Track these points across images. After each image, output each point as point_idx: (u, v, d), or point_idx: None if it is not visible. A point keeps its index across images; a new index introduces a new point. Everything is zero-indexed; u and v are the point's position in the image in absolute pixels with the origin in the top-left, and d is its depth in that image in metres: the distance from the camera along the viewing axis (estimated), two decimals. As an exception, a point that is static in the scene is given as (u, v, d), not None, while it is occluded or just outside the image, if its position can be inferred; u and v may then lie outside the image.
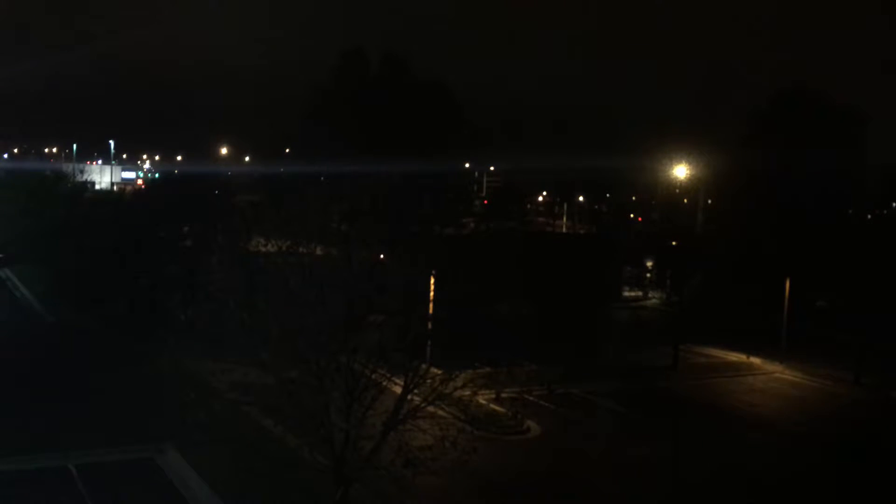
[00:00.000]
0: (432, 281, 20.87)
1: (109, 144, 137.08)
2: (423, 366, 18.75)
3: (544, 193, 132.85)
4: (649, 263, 71.96)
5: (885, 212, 72.56)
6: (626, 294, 68.42)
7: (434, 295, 20.47)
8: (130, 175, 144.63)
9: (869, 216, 70.21)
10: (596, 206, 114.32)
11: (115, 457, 25.21)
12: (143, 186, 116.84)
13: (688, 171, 62.76)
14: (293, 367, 17.69)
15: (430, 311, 19.77)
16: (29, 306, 51.19)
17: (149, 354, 36.60)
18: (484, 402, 27.83)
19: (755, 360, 45.72)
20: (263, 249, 19.89)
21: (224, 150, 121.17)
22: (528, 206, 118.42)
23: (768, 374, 43.59)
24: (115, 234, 51.26)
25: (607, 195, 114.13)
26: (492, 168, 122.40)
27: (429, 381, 18.40)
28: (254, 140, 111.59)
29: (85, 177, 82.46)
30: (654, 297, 66.53)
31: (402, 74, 63.37)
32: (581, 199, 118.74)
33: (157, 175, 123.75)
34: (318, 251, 18.94)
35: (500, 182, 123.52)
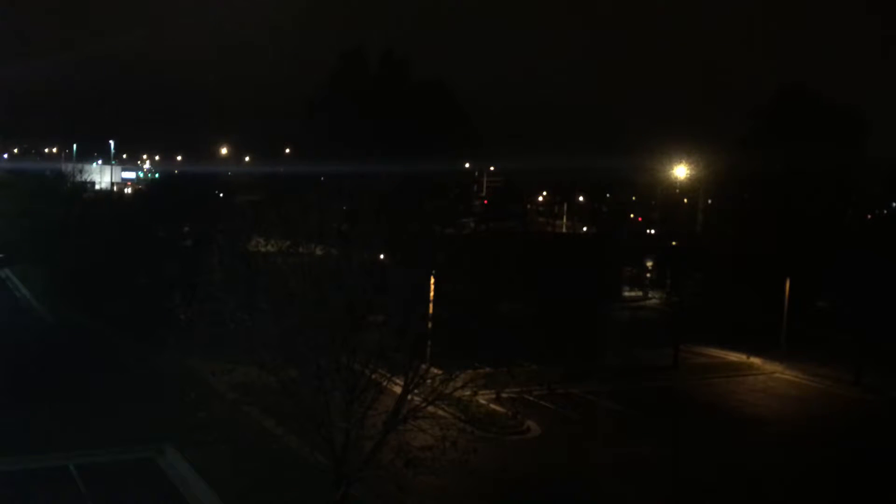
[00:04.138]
0: (432, 281, 20.86)
1: (109, 144, 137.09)
2: (423, 366, 18.73)
3: (544, 193, 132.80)
4: (649, 263, 71.98)
5: (885, 212, 72.50)
6: (626, 294, 68.43)
7: (434, 295, 20.46)
8: (130, 175, 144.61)
9: (869, 216, 70.18)
10: (596, 206, 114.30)
11: (115, 457, 25.22)
12: (139, 188, 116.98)
13: (688, 171, 62.78)
14: (293, 367, 17.69)
15: (430, 311, 19.76)
16: (29, 306, 51.19)
17: (149, 354, 36.60)
18: (484, 402, 27.85)
19: (755, 360, 45.73)
20: (263, 249, 19.88)
21: (224, 150, 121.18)
22: (528, 206, 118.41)
23: (768, 374, 43.60)
24: (115, 234, 51.32)
25: (607, 195, 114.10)
26: (492, 168, 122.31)
27: (429, 381, 18.39)
28: (254, 140, 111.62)
29: (85, 177, 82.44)
30: (654, 297, 66.52)
31: (401, 74, 63.41)
32: (581, 199, 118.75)
33: (157, 175, 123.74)
34: (318, 251, 18.93)
35: (500, 182, 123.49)
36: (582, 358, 41.38)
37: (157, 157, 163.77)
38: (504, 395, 21.63)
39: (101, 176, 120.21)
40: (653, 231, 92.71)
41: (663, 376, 41.64)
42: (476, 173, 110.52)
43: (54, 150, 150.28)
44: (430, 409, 18.41)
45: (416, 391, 18.42)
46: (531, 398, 33.00)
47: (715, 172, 60.45)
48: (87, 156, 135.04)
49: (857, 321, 44.46)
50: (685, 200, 71.19)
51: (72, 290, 49.53)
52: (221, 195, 65.93)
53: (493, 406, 29.77)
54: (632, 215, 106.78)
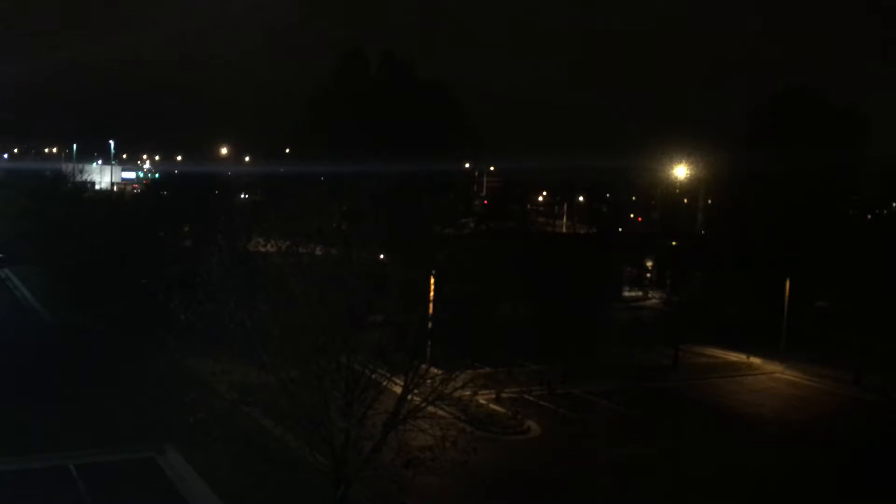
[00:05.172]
0: (432, 281, 20.87)
1: (109, 144, 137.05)
2: (423, 366, 18.73)
3: (544, 193, 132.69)
4: (649, 263, 72.00)
5: (885, 212, 72.54)
6: (626, 294, 68.42)
7: (434, 295, 20.46)
8: (130, 175, 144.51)
9: (869, 216, 70.22)
10: (596, 206, 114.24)
11: (115, 457, 25.22)
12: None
13: (688, 171, 62.76)
14: (293, 367, 17.68)
15: (430, 311, 19.76)
16: (29, 306, 51.17)
17: (149, 354, 36.57)
18: (484, 402, 27.87)
19: (755, 360, 45.72)
20: (263, 249, 19.88)
21: (224, 150, 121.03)
22: (528, 206, 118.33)
23: (768, 374, 43.60)
24: (115, 234, 51.35)
25: (607, 195, 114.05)
26: (492, 168, 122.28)
27: (429, 381, 18.39)
28: (254, 140, 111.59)
29: (85, 177, 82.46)
30: (654, 297, 66.56)
31: (402, 74, 63.43)
32: (581, 199, 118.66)
33: (157, 175, 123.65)
34: (318, 251, 18.93)
35: (500, 182, 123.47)
36: (582, 358, 41.39)
37: (157, 157, 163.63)
38: (504, 395, 21.64)
39: (101, 176, 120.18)
40: (652, 231, 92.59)
41: (663, 376, 41.62)
42: (476, 173, 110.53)
43: (54, 150, 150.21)
44: (430, 409, 18.40)
45: (416, 391, 18.42)
46: (531, 398, 33.03)
47: (715, 172, 60.48)
48: (87, 156, 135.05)
49: (857, 321, 44.50)
50: (685, 200, 71.19)
51: (72, 290, 49.56)
52: (221, 195, 65.83)
53: (493, 406, 29.79)
54: (632, 215, 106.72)
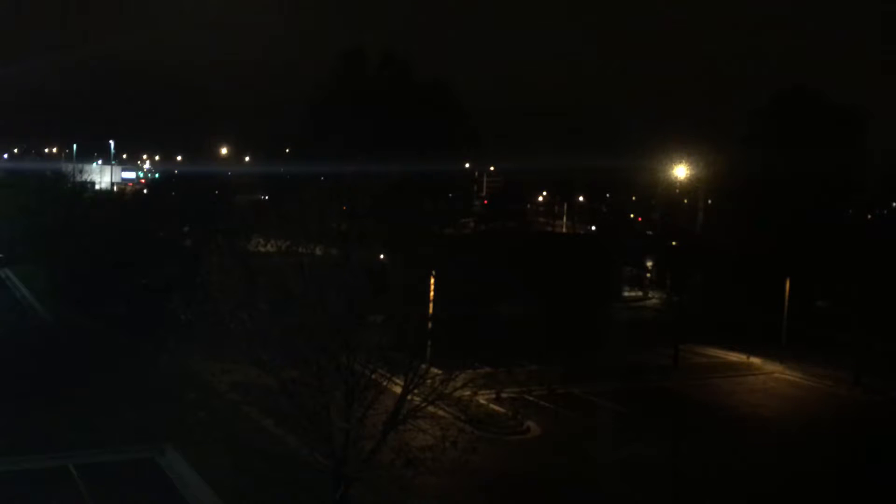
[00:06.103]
0: (432, 281, 20.88)
1: (109, 144, 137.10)
2: (423, 366, 18.75)
3: (544, 193, 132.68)
4: (649, 263, 72.03)
5: (885, 212, 72.55)
6: (626, 294, 68.41)
7: (434, 295, 20.47)
8: (130, 175, 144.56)
9: (869, 216, 70.24)
10: (596, 206, 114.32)
11: (115, 457, 25.21)
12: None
13: (688, 171, 62.68)
14: (293, 367, 17.70)
15: (430, 311, 19.77)
16: (29, 306, 51.16)
17: (149, 354, 36.60)
18: (484, 402, 27.83)
19: (755, 360, 45.71)
20: (263, 249, 19.89)
21: (224, 150, 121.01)
22: (528, 206, 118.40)
23: (768, 374, 43.59)
24: (115, 234, 51.33)
25: (607, 195, 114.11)
26: (492, 168, 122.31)
27: (429, 381, 18.41)
28: (254, 140, 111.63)
29: (85, 177, 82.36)
30: (654, 297, 66.55)
31: (402, 74, 63.49)
32: (581, 199, 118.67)
33: (157, 175, 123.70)
34: (318, 251, 18.94)
35: (500, 182, 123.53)
36: (582, 358, 41.39)
37: (157, 157, 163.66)
38: (504, 395, 21.61)
39: (101, 176, 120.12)
40: (653, 231, 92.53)
41: (663, 376, 41.62)
42: (476, 173, 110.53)
43: (54, 150, 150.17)
44: (430, 409, 18.42)
45: (416, 391, 18.44)
46: (531, 398, 32.98)
47: (715, 172, 60.49)
48: (87, 156, 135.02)
49: (857, 321, 44.50)
50: (685, 200, 71.14)
51: (72, 290, 49.50)
52: (221, 195, 65.87)
53: (493, 406, 29.72)
54: (632, 215, 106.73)
